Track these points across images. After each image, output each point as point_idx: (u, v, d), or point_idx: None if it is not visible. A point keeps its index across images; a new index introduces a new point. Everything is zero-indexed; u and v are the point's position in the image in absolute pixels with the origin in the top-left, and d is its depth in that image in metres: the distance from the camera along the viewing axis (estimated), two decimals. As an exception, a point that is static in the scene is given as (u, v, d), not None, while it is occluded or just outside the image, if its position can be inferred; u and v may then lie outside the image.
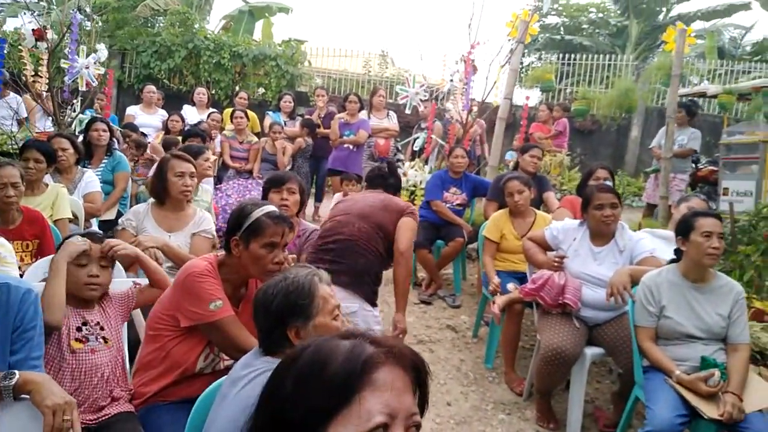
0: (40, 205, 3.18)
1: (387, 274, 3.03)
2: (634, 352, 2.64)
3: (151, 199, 3.10)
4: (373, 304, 2.88)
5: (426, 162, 6.53)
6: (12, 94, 6.03)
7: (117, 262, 2.24)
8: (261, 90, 10.63)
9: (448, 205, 4.92)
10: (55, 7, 9.09)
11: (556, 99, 11.32)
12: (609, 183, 3.84)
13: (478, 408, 3.19)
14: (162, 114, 7.02)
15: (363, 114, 6.58)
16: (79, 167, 4.05)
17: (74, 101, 5.54)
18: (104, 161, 4.51)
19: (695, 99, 7.61)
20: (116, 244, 2.14)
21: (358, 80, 12.07)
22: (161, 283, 2.24)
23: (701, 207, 3.28)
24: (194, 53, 10.47)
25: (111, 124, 4.76)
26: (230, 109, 7.12)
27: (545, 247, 3.24)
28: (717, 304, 2.51)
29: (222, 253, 2.07)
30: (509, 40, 6.22)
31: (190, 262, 2.06)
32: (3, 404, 1.49)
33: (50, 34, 5.21)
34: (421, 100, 6.93)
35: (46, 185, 3.41)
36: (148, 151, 5.60)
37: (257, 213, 1.97)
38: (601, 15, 17.43)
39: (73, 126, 5.25)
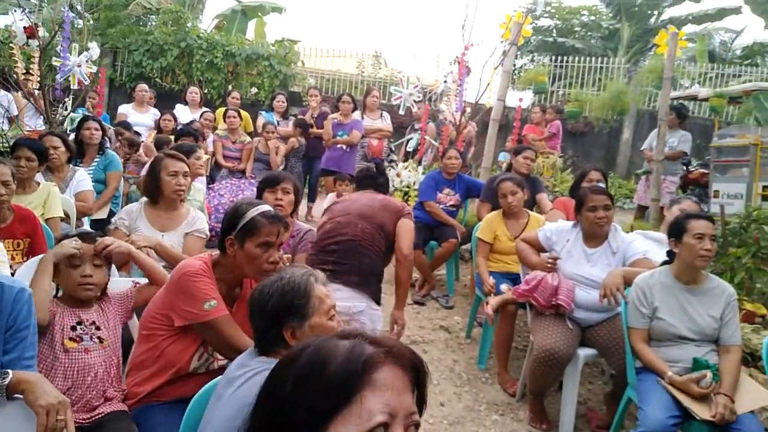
0: (32, 204, 3.15)
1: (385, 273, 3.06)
2: (626, 354, 2.66)
3: (144, 198, 3.08)
4: (379, 303, 2.92)
5: (419, 163, 6.55)
6: (2, 91, 5.99)
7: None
8: (254, 90, 10.61)
9: (441, 206, 4.92)
10: (46, 5, 9.00)
11: (549, 101, 11.37)
12: (602, 185, 3.86)
13: (471, 408, 3.20)
14: (154, 113, 6.96)
15: (356, 114, 6.58)
16: (71, 166, 4.02)
17: (66, 99, 5.50)
18: (96, 160, 4.48)
19: (684, 102, 7.68)
20: (110, 243, 2.14)
21: (351, 80, 12.07)
22: (159, 279, 2.23)
23: (693, 209, 3.30)
24: (187, 52, 10.43)
25: (103, 122, 4.73)
26: (223, 109, 7.08)
27: (538, 248, 3.26)
28: (709, 305, 2.53)
29: (216, 252, 2.06)
30: (502, 41, 6.26)
31: (185, 261, 2.04)
32: (-4, 404, 1.48)
33: (42, 32, 5.18)
34: (414, 101, 6.93)
35: (38, 184, 3.38)
36: (141, 150, 5.57)
37: (252, 212, 1.97)
38: (593, 18, 17.55)
39: (64, 124, 5.22)
